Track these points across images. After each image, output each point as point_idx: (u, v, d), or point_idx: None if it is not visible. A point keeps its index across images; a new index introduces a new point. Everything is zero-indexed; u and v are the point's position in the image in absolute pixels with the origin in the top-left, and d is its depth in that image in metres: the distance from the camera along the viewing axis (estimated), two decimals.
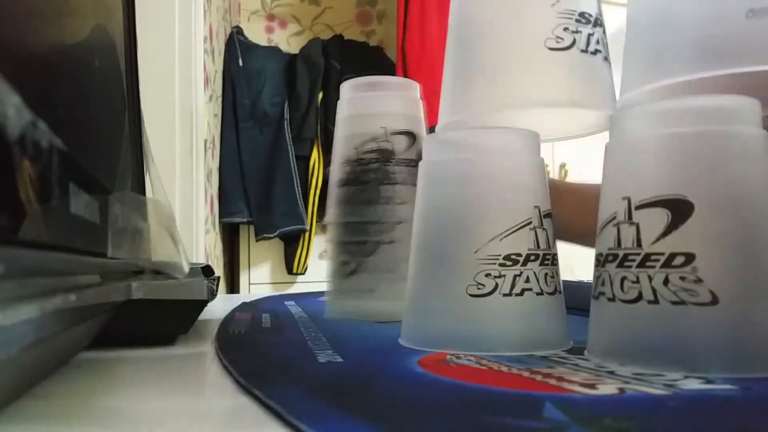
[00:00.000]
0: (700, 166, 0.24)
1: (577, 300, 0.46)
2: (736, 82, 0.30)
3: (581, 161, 2.19)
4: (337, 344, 0.30)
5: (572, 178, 2.14)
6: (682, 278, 0.23)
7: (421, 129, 0.45)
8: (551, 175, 2.17)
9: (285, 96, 1.86)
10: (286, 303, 0.56)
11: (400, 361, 0.26)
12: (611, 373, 0.23)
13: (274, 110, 1.84)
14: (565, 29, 0.36)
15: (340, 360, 0.26)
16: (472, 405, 0.19)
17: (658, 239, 0.24)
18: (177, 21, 1.09)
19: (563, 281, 0.48)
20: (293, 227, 1.77)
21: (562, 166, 2.16)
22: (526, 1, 0.37)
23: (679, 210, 0.23)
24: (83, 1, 0.33)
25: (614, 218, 0.25)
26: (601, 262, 0.26)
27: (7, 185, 0.17)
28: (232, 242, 1.93)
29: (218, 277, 0.43)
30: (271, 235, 1.76)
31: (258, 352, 0.30)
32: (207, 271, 0.42)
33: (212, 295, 0.35)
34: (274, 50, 2.00)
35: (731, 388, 0.21)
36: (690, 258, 0.23)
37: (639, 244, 0.24)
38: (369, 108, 0.44)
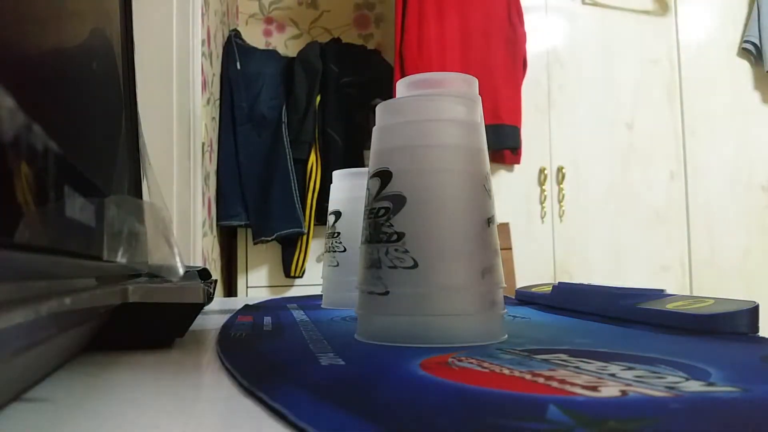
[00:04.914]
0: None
1: (575, 302, 0.46)
2: None
3: (580, 163, 2.19)
4: (338, 347, 0.30)
5: (570, 181, 2.14)
6: (396, 250, 0.32)
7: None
8: (550, 179, 2.17)
9: (283, 99, 1.86)
10: (287, 305, 0.56)
11: (402, 363, 0.26)
12: (613, 375, 0.23)
13: (271, 113, 1.83)
14: None
15: (342, 363, 0.26)
16: (475, 407, 0.19)
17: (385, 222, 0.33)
18: (175, 24, 1.09)
19: (563, 282, 0.48)
20: (291, 230, 1.76)
21: (560, 169, 2.16)
22: None
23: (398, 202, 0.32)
24: (80, 4, 0.33)
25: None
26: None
27: (2, 188, 0.16)
28: (229, 245, 1.93)
29: (215, 280, 0.43)
30: (269, 239, 1.75)
31: (260, 356, 0.29)
32: (204, 274, 0.41)
33: (209, 298, 0.35)
34: (272, 53, 1.99)
35: (733, 390, 0.20)
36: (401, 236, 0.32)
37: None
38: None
